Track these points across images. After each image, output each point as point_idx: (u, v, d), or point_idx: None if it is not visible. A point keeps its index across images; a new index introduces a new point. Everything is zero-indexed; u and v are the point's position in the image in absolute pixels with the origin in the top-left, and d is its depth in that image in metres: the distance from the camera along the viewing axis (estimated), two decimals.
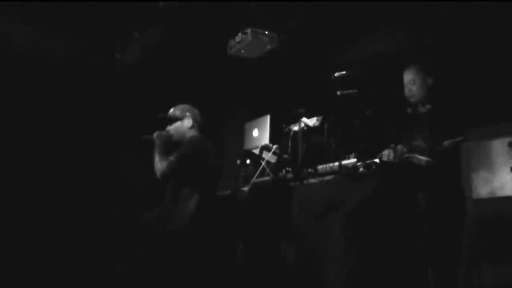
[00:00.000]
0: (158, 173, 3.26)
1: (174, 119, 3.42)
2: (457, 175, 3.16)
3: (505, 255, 3.61)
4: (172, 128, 3.43)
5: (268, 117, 4.37)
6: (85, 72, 5.16)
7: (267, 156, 4.20)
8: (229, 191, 4.19)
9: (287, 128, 4.04)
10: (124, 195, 5.05)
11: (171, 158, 3.22)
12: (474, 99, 3.64)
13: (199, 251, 3.25)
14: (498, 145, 3.93)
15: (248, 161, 4.46)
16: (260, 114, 4.52)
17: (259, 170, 4.12)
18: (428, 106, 3.28)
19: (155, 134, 3.38)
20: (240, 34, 4.53)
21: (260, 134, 4.43)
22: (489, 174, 4.00)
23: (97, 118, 5.24)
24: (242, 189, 4.09)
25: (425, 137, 3.18)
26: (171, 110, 3.48)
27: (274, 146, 4.20)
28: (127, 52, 4.94)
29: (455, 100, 3.26)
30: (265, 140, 4.30)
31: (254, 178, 4.08)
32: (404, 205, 3.12)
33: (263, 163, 4.14)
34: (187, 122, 3.42)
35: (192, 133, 3.43)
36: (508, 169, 3.75)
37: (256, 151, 4.35)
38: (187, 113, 3.44)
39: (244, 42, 4.52)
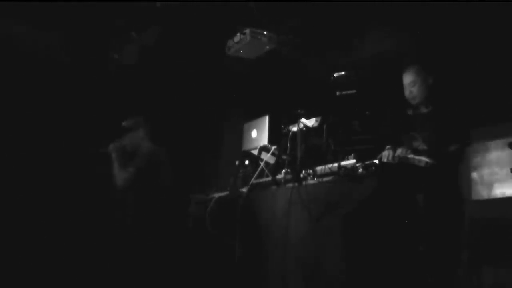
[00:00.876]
0: (118, 185, 3.37)
1: (128, 129, 3.55)
2: (456, 177, 3.14)
3: (505, 257, 3.59)
4: (126, 138, 3.56)
5: (267, 117, 4.35)
6: (82, 72, 5.13)
7: (266, 157, 4.18)
8: (227, 192, 4.20)
9: (286, 129, 4.01)
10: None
11: (130, 170, 3.32)
12: (474, 100, 3.63)
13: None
14: (498, 146, 3.92)
15: (246, 162, 4.45)
16: (259, 114, 4.50)
17: (258, 171, 4.10)
18: (430, 107, 3.27)
19: (110, 147, 3.44)
20: (238, 34, 4.50)
21: (258, 134, 4.41)
22: (489, 175, 3.99)
23: (94, 118, 5.21)
24: (240, 190, 4.09)
25: (425, 137, 3.17)
26: (125, 121, 3.61)
27: (273, 147, 4.17)
28: (125, 52, 4.91)
29: (458, 101, 3.24)
30: (264, 141, 4.28)
31: (253, 179, 4.06)
32: (403, 207, 3.10)
33: (262, 164, 4.12)
34: (141, 133, 3.49)
35: (145, 143, 3.50)
36: (508, 170, 3.73)
37: (255, 152, 4.33)
38: (140, 124, 3.57)
39: (242, 42, 4.49)
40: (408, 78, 3.30)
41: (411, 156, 3.09)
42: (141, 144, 3.52)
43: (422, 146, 3.16)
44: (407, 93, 3.31)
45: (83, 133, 5.12)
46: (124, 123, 3.57)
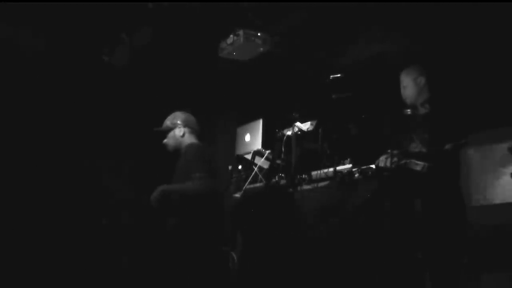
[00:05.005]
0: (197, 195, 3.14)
1: (167, 130, 3.41)
2: (456, 181, 3.09)
3: (505, 264, 3.55)
4: (167, 140, 3.42)
5: (261, 121, 4.33)
6: (73, 74, 5.08)
7: (260, 161, 4.16)
8: None
9: (280, 133, 4.02)
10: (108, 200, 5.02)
11: (200, 180, 3.06)
12: (474, 103, 3.59)
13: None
14: (498, 151, 3.88)
15: (240, 167, 4.42)
16: (253, 118, 4.47)
17: (251, 176, 4.07)
18: (427, 107, 3.23)
19: (154, 199, 3.15)
20: (232, 35, 4.47)
21: (252, 139, 4.39)
22: (488, 180, 3.95)
23: (84, 122, 5.16)
24: (234, 195, 4.05)
25: (422, 139, 3.15)
26: (164, 121, 3.47)
27: (267, 151, 4.16)
28: (115, 55, 4.86)
29: (456, 101, 3.21)
30: (258, 145, 4.26)
31: (246, 184, 4.03)
32: (400, 212, 3.05)
33: (256, 168, 4.09)
34: (178, 131, 3.39)
35: (186, 141, 3.38)
36: (508, 175, 3.69)
37: (249, 157, 4.30)
38: (178, 121, 3.41)
39: (236, 44, 4.46)
40: (401, 79, 3.32)
41: (408, 160, 3.05)
42: (182, 143, 3.38)
43: (420, 148, 3.13)
44: (402, 94, 3.31)
45: (78, 134, 5.10)
46: (163, 125, 3.45)
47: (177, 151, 3.37)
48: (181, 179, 3.15)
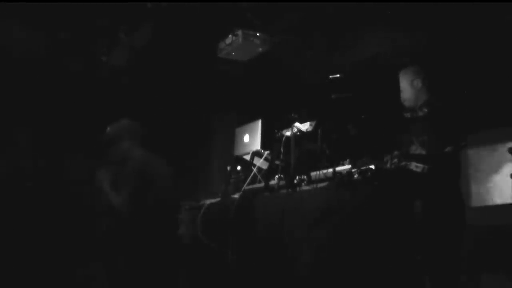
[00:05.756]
0: (117, 208, 3.26)
1: (111, 142, 3.44)
2: (456, 183, 3.09)
3: (504, 264, 3.54)
4: (111, 150, 3.45)
5: (260, 122, 4.28)
6: (70, 75, 5.06)
7: (259, 162, 4.13)
8: (219, 198, 4.12)
9: (279, 134, 3.97)
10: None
11: (122, 197, 3.22)
12: (473, 104, 3.59)
13: None
14: (498, 151, 3.88)
15: (239, 168, 4.39)
16: (252, 118, 4.43)
17: (250, 177, 4.05)
18: (425, 109, 3.22)
19: (99, 175, 3.34)
20: (230, 36, 4.46)
21: (251, 139, 4.35)
22: (488, 181, 3.95)
23: (82, 122, 5.14)
24: (232, 196, 4.01)
25: (422, 141, 3.13)
26: (107, 130, 3.48)
27: (266, 152, 4.12)
28: (113, 55, 4.84)
29: (454, 103, 3.20)
30: (257, 146, 4.22)
31: (245, 185, 4.00)
32: (400, 213, 3.04)
33: (255, 169, 4.08)
34: (124, 144, 3.42)
35: (131, 153, 3.41)
36: (508, 176, 3.68)
37: (247, 157, 4.28)
38: (124, 133, 3.46)
39: (234, 44, 4.46)
40: (400, 81, 3.31)
41: (408, 162, 3.04)
42: (126, 155, 3.41)
43: (419, 151, 3.12)
44: (401, 95, 3.29)
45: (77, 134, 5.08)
46: (106, 134, 3.46)
47: (122, 160, 3.38)
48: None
